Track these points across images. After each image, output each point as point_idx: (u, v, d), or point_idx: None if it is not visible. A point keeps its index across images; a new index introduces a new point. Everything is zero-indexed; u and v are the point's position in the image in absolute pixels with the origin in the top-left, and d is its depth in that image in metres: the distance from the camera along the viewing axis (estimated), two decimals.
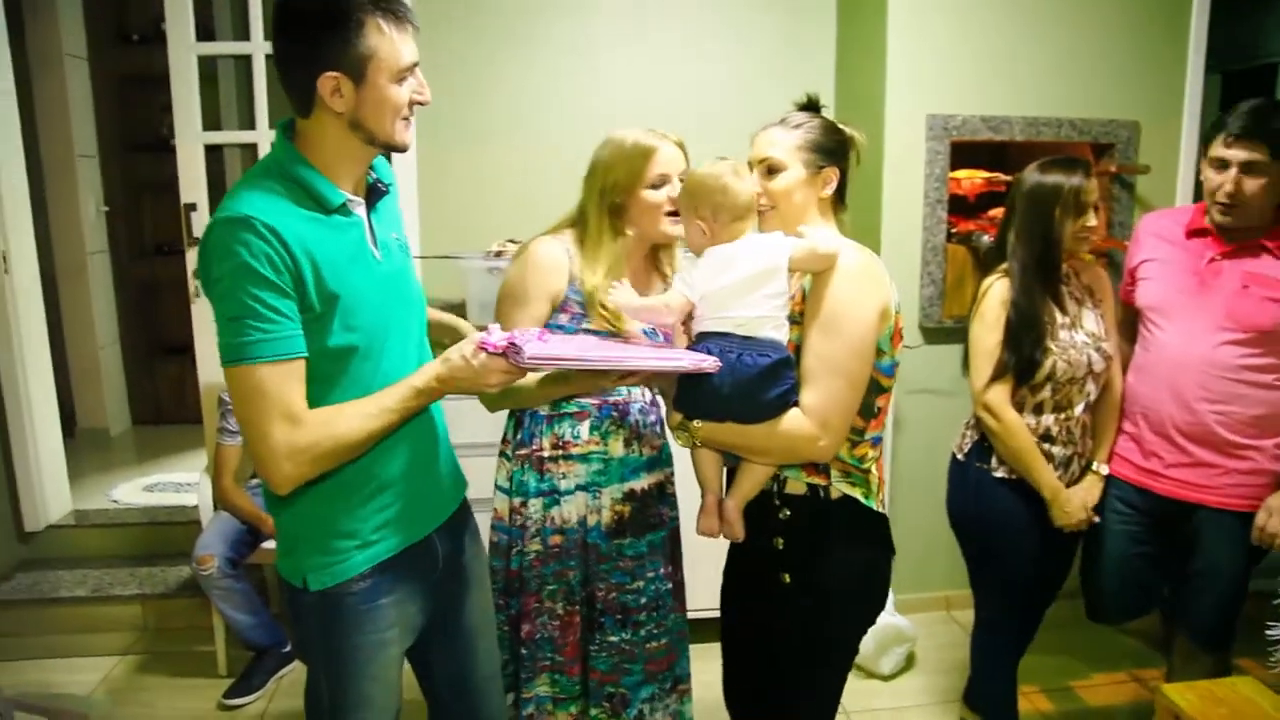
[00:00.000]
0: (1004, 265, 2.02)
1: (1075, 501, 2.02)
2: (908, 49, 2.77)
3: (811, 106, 1.54)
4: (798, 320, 1.45)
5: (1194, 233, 2.03)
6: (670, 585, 1.85)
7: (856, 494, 1.48)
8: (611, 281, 1.62)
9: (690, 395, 1.44)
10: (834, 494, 1.48)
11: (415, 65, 1.26)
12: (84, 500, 3.46)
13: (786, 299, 1.42)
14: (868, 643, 2.68)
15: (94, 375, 4.35)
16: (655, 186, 1.70)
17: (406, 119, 1.28)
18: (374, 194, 1.36)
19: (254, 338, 1.16)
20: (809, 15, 3.17)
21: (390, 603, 1.39)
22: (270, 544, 2.67)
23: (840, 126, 1.52)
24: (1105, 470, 2.11)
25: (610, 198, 1.70)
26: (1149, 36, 2.87)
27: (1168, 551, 2.11)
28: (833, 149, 1.50)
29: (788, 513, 1.50)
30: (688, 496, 1.79)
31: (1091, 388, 2.03)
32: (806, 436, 1.39)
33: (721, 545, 1.65)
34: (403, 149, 1.30)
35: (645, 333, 1.74)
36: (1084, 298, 2.06)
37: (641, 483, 1.80)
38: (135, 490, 3.60)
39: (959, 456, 2.16)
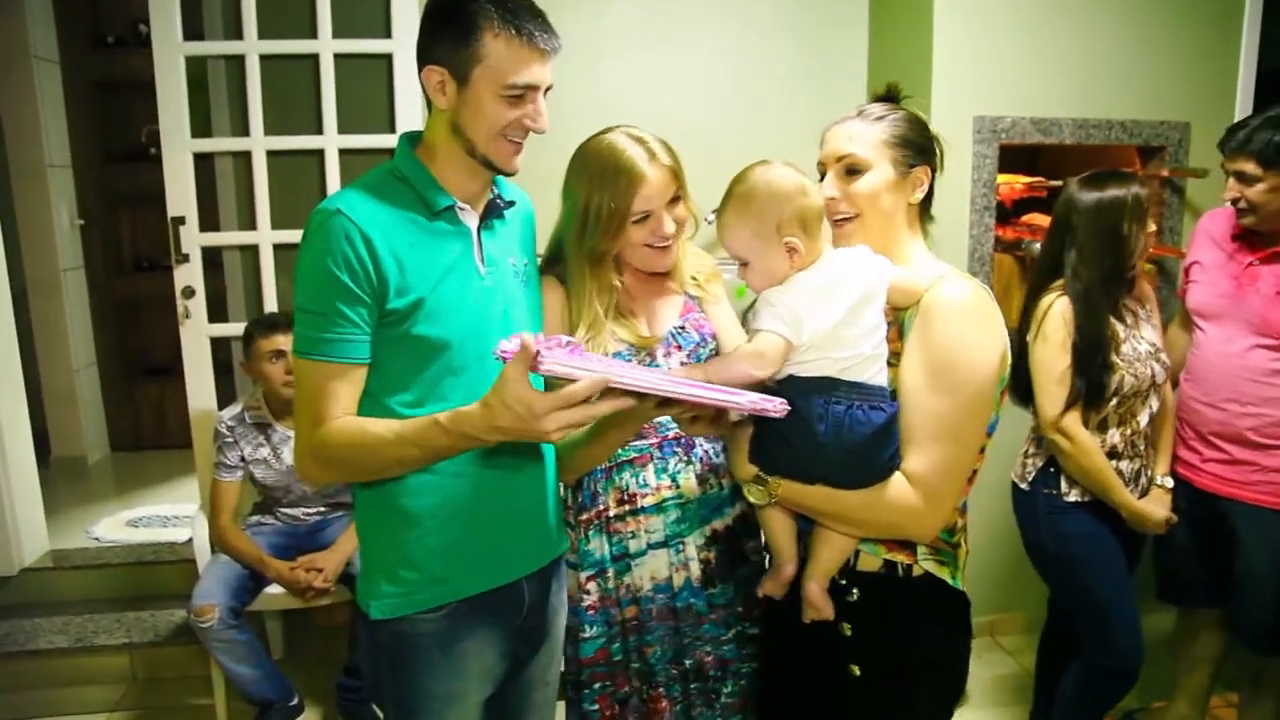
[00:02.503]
0: (1060, 282, 1.98)
1: (1156, 516, 2.00)
2: (955, 48, 2.62)
3: (890, 97, 1.32)
4: (893, 362, 1.22)
5: (1237, 236, 2.05)
6: (752, 630, 1.57)
7: (944, 575, 1.26)
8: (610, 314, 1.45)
9: (775, 448, 1.19)
10: (916, 572, 1.25)
11: (535, 88, 1.20)
12: (62, 538, 3.20)
13: (885, 331, 1.20)
14: None
15: (69, 399, 4.07)
16: (639, 221, 1.44)
17: (513, 141, 1.23)
18: (492, 211, 1.32)
19: (312, 335, 1.17)
20: (838, 16, 3.00)
21: (468, 648, 1.30)
22: (273, 589, 2.45)
23: (928, 122, 1.31)
24: (1170, 483, 2.08)
25: (590, 243, 1.44)
26: (1200, 34, 2.74)
27: (1211, 547, 2.10)
28: (923, 145, 1.27)
29: (856, 593, 1.27)
30: None
31: (1154, 400, 2.02)
32: (912, 511, 1.17)
33: None
34: (504, 171, 1.26)
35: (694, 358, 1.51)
36: (1138, 308, 2.04)
37: (725, 520, 1.53)
38: (118, 525, 3.35)
39: (1023, 486, 2.10)
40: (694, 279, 1.60)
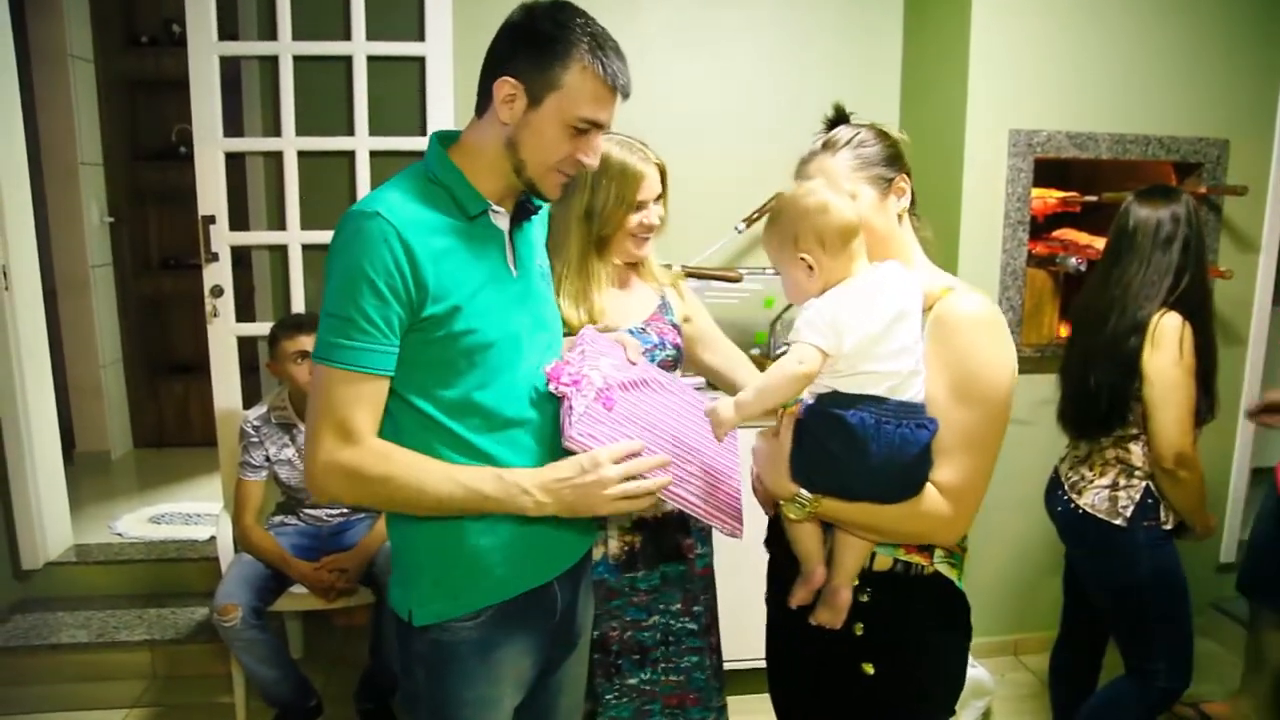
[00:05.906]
0: (1166, 302, 1.87)
1: (1212, 521, 2.02)
2: (991, 60, 2.59)
3: (841, 119, 1.34)
4: None
5: None
6: (694, 626, 1.74)
7: (953, 576, 1.28)
8: (603, 308, 1.63)
9: (822, 469, 1.18)
10: (927, 572, 1.27)
11: (597, 127, 1.22)
12: (85, 533, 3.22)
13: (922, 348, 1.19)
14: None
15: (95, 395, 4.11)
16: (638, 210, 1.66)
17: (562, 173, 1.24)
18: (522, 213, 1.31)
19: (340, 342, 1.14)
20: (872, 26, 2.99)
21: (504, 655, 1.29)
22: (296, 589, 2.45)
23: (886, 129, 1.32)
24: None
25: (598, 227, 1.64)
26: (1240, 49, 2.70)
27: None
28: (892, 156, 1.29)
29: (868, 593, 1.27)
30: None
31: None
32: (944, 521, 1.20)
33: (755, 590, 1.44)
34: (546, 198, 1.27)
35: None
36: None
37: (654, 511, 1.67)
38: (140, 522, 3.36)
39: (1117, 522, 1.94)
40: (667, 282, 1.81)
